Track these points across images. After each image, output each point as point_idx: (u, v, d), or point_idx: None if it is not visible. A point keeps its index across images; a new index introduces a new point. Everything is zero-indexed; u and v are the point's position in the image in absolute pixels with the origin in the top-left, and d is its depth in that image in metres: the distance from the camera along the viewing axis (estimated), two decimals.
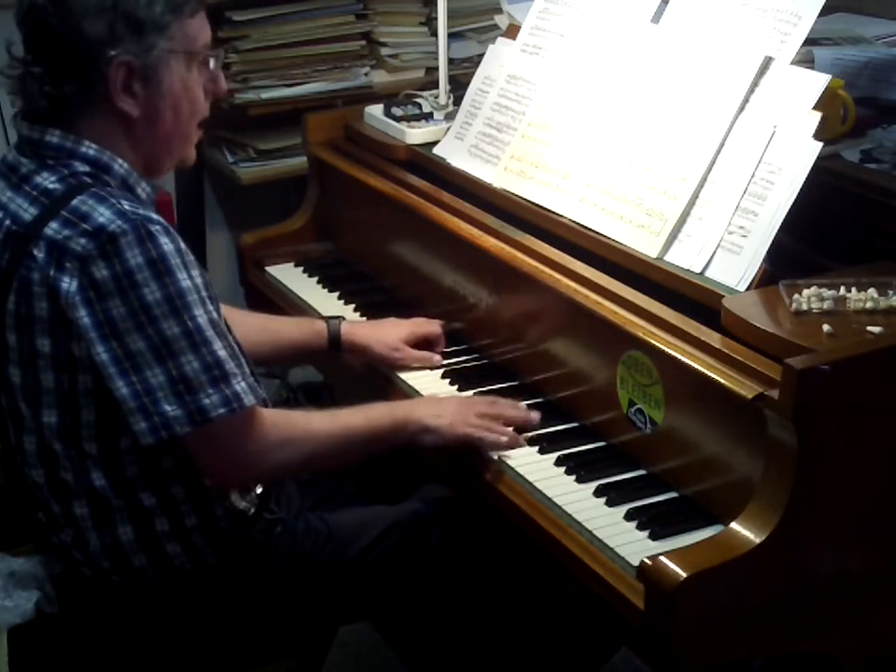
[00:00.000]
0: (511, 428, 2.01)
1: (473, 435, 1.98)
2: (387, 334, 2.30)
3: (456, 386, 2.20)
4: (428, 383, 2.23)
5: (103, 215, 1.73)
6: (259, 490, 1.95)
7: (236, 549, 1.92)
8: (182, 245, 1.79)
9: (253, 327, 2.22)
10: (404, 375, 2.26)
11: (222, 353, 1.78)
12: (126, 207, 1.75)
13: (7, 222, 1.81)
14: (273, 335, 2.29)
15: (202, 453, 1.82)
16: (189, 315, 1.75)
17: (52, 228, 1.75)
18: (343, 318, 2.37)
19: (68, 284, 1.73)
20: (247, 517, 1.92)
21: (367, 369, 2.32)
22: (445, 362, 2.28)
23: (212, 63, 1.91)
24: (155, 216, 1.78)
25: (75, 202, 1.76)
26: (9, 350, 1.82)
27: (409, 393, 2.20)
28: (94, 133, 1.83)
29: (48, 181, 1.80)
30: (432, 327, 2.33)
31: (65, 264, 1.73)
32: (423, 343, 2.31)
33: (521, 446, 1.99)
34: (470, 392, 2.17)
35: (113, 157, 1.83)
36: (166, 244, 1.74)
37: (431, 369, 2.27)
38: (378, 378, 2.29)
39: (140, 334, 1.73)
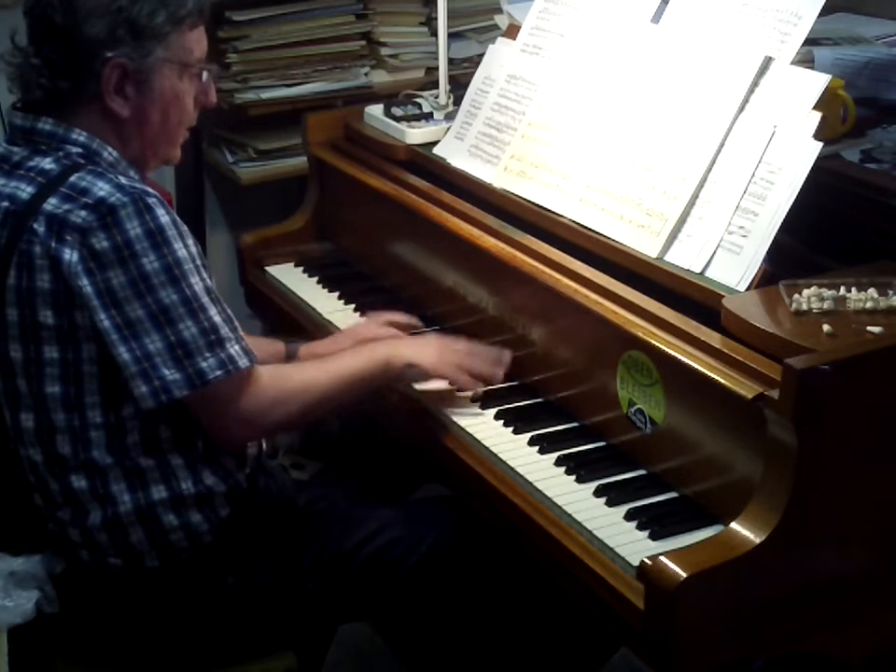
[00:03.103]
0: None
1: (451, 376, 2.10)
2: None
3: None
4: (427, 383, 2.22)
5: (102, 189, 1.80)
6: (247, 471, 1.98)
7: (230, 529, 1.93)
8: (176, 216, 1.84)
9: None
10: None
11: (217, 318, 1.84)
12: (123, 181, 1.81)
13: (5, 204, 1.85)
14: None
15: (204, 414, 1.88)
16: (186, 284, 1.81)
17: (51, 203, 1.81)
18: (302, 342, 2.31)
19: (69, 255, 1.78)
20: (240, 492, 1.94)
21: None
22: None
23: (204, 76, 1.97)
24: (150, 189, 1.84)
25: (73, 178, 1.82)
26: (9, 326, 1.85)
27: (409, 393, 2.20)
28: (84, 128, 1.88)
29: (43, 163, 1.86)
30: (391, 322, 2.31)
31: (66, 236, 1.78)
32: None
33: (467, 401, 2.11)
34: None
35: (102, 144, 1.89)
36: (163, 215, 1.80)
37: None
38: None
39: (140, 302, 1.79)
